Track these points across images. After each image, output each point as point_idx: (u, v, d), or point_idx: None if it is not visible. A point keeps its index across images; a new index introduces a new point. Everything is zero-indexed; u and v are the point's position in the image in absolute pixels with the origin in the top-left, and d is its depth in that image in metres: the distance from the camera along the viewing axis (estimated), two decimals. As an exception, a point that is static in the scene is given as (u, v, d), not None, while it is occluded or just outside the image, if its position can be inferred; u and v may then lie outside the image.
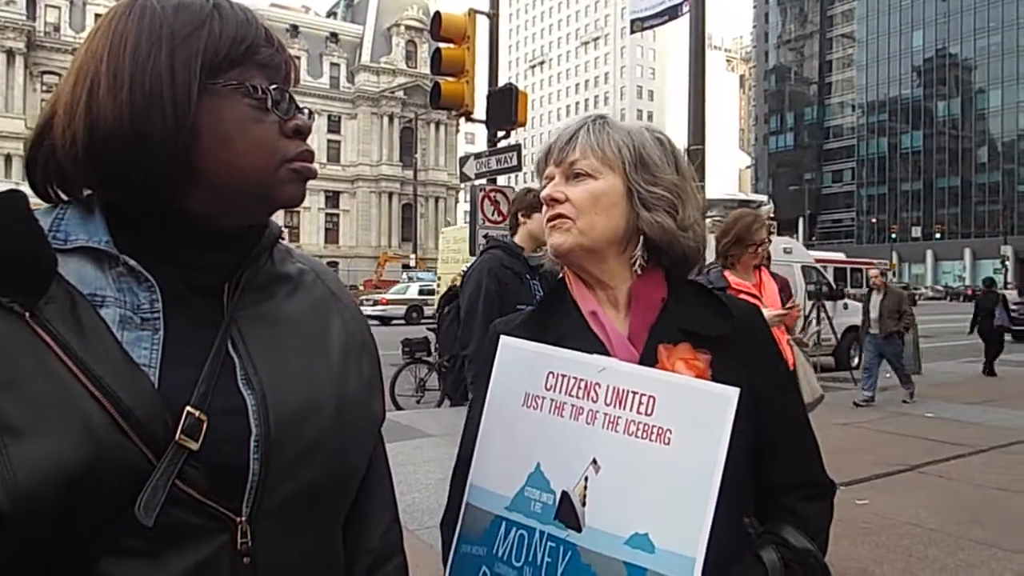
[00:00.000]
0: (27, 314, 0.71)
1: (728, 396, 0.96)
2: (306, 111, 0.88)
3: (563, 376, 1.06)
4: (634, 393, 1.01)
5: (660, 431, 0.98)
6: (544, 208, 1.20)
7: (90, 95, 0.78)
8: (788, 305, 3.78)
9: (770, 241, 3.94)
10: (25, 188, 0.83)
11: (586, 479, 1.00)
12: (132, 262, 0.78)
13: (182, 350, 0.78)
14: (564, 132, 1.22)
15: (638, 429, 0.99)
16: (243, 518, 0.78)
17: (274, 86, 0.84)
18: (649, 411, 0.99)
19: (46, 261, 0.74)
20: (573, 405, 1.04)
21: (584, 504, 0.99)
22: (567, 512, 1.00)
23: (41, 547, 0.68)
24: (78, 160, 0.79)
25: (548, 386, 1.07)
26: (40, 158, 0.82)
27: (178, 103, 0.78)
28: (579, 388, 1.05)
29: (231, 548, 0.77)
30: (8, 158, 50.07)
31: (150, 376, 0.75)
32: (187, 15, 0.80)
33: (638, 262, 1.19)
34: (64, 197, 0.83)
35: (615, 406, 1.01)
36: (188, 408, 0.75)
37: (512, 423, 1.09)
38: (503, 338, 1.15)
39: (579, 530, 0.99)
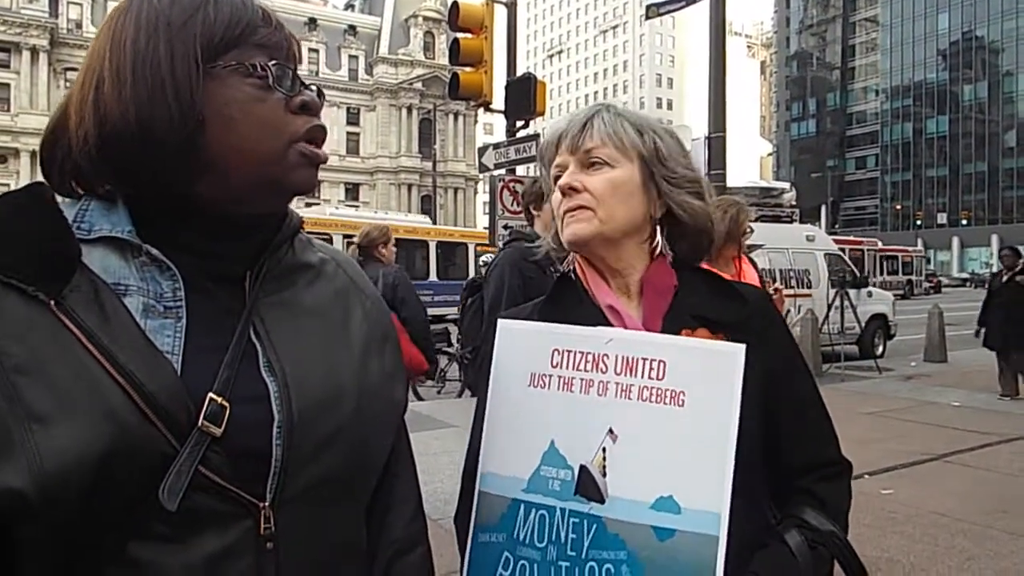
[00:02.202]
0: (52, 302, 0.72)
1: (735, 352, 1.00)
2: (314, 88, 0.87)
3: (568, 351, 1.07)
4: (644, 359, 1.02)
5: (673, 394, 1.00)
6: (559, 197, 1.19)
7: (97, 93, 0.79)
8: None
9: (797, 221, 3.96)
10: None
11: (604, 450, 1.01)
12: (155, 251, 0.79)
13: (204, 338, 0.79)
14: (575, 120, 1.20)
15: (652, 394, 1.01)
16: (266, 504, 0.79)
17: (274, 62, 0.83)
18: (660, 375, 1.01)
19: (70, 251, 0.76)
20: (582, 379, 1.05)
21: (605, 475, 1.00)
22: (588, 485, 1.00)
23: (68, 532, 0.70)
24: (92, 158, 0.80)
25: (554, 363, 1.07)
26: (58, 157, 0.83)
27: (180, 92, 0.78)
28: (587, 361, 1.05)
29: (254, 533, 0.78)
30: (34, 154, 50.49)
31: (173, 363, 0.76)
32: (182, 3, 0.81)
33: (659, 249, 1.20)
34: (82, 192, 0.84)
35: (626, 374, 1.03)
36: (211, 395, 0.76)
37: (520, 405, 1.09)
38: (501, 321, 1.15)
39: (602, 501, 0.99)
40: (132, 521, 0.72)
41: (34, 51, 50.98)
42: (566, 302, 1.21)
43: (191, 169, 0.80)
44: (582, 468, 1.01)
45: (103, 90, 0.79)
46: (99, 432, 0.69)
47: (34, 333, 0.71)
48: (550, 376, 1.07)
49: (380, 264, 4.90)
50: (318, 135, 0.86)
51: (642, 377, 1.02)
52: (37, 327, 0.71)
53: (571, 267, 1.25)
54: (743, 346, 1.00)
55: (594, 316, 1.17)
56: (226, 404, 0.76)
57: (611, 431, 1.01)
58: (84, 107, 0.80)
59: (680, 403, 0.99)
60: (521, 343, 1.12)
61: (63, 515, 0.69)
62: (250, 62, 0.81)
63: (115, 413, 0.70)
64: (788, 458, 1.16)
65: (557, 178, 1.20)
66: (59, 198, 0.81)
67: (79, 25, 53.70)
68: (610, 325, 1.16)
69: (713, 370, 1.00)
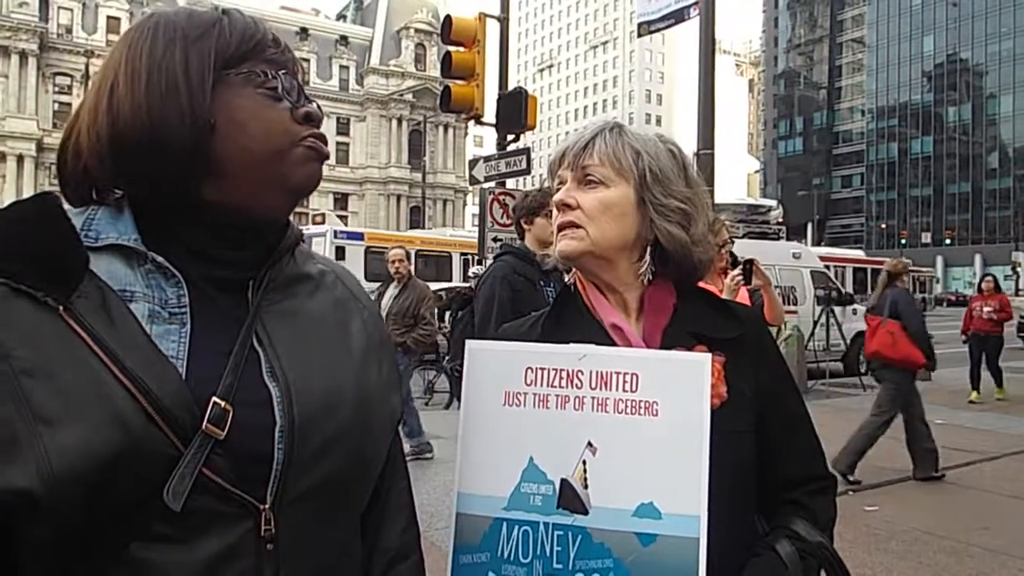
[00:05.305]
0: (61, 308, 0.74)
1: (702, 361, 1.05)
2: (315, 104, 0.92)
3: (542, 369, 1.09)
4: (617, 373, 1.06)
5: (647, 404, 1.04)
6: (554, 212, 1.22)
7: (111, 95, 0.83)
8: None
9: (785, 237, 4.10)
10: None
11: (584, 462, 1.04)
12: (160, 258, 0.82)
13: (208, 343, 0.81)
14: (580, 137, 1.23)
15: (627, 406, 1.04)
16: (267, 506, 0.80)
17: (284, 72, 0.88)
18: (634, 388, 1.05)
19: (78, 258, 0.78)
20: (558, 395, 1.08)
21: (586, 487, 1.03)
22: (570, 498, 1.03)
23: (73, 531, 0.71)
24: (103, 159, 0.83)
25: (528, 381, 1.09)
26: (69, 162, 0.86)
27: (194, 95, 0.82)
28: (561, 378, 1.08)
29: (255, 534, 0.80)
30: (20, 158, 50.43)
31: (178, 367, 0.78)
32: (198, 20, 0.86)
33: (647, 273, 1.20)
34: (94, 198, 0.86)
35: (601, 388, 1.06)
36: (214, 398, 0.77)
37: (495, 424, 1.10)
38: (469, 344, 1.15)
39: (586, 513, 1.02)
40: (135, 522, 0.74)
41: (23, 55, 50.71)
42: (567, 316, 1.23)
43: (199, 172, 0.83)
44: (563, 482, 1.04)
45: (117, 92, 0.82)
46: (105, 434, 0.71)
47: (43, 337, 0.72)
48: (525, 394, 1.09)
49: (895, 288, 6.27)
50: (320, 140, 0.90)
51: (617, 390, 1.05)
52: (46, 332, 0.73)
53: (572, 281, 1.27)
54: (709, 355, 1.05)
55: (595, 331, 1.18)
56: (229, 408, 0.78)
57: (590, 444, 1.04)
58: (98, 109, 0.83)
59: (654, 413, 1.03)
60: (493, 363, 1.13)
61: (69, 515, 0.70)
62: (262, 70, 0.86)
63: (121, 416, 0.72)
64: (779, 471, 1.19)
65: (558, 191, 1.22)
66: (67, 207, 0.83)
67: (69, 30, 53.47)
68: (612, 341, 1.18)
69: (683, 379, 1.04)
